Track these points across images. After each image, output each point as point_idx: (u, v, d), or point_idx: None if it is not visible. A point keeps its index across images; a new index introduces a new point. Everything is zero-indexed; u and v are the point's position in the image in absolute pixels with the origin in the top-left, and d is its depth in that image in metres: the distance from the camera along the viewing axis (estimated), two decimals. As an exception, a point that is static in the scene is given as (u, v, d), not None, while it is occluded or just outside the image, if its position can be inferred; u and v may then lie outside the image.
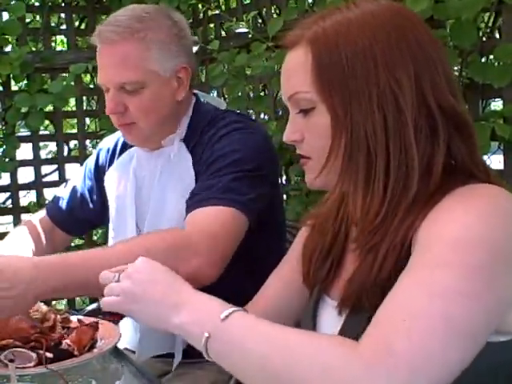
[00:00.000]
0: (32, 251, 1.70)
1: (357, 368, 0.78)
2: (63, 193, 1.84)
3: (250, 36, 2.70)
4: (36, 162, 3.59)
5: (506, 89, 1.93)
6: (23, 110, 3.35)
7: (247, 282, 1.34)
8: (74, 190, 1.82)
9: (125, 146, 1.74)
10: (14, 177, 3.50)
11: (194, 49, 1.68)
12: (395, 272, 0.90)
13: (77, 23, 3.78)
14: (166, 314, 0.97)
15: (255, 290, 1.26)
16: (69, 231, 1.86)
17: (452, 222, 0.87)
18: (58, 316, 1.32)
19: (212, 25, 3.29)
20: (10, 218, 3.63)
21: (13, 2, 3.20)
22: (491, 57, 1.99)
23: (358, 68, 0.93)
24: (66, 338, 1.22)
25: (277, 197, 1.67)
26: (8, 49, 3.38)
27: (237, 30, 2.88)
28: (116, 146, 1.78)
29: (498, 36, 2.12)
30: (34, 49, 3.60)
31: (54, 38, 3.95)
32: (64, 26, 3.69)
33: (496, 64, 1.95)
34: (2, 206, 3.69)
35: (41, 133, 3.70)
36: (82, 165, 1.90)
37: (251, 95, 3.02)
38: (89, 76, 3.87)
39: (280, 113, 2.83)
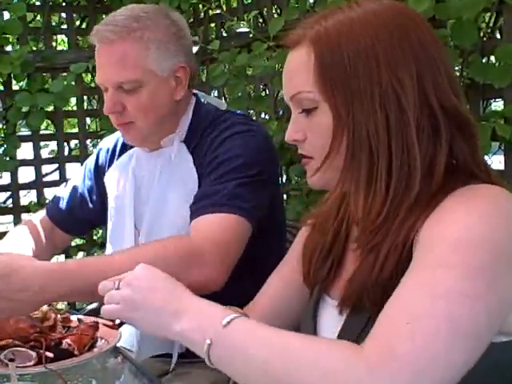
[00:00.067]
0: (32, 250, 1.70)
1: (360, 371, 0.78)
2: (63, 193, 1.84)
3: (250, 36, 2.71)
4: (36, 162, 3.59)
5: (506, 89, 1.93)
6: (24, 109, 3.35)
7: (247, 282, 1.34)
8: (73, 189, 1.82)
9: (125, 146, 1.74)
10: (14, 176, 3.50)
11: (194, 49, 1.68)
12: (396, 272, 0.90)
13: (78, 23, 3.79)
14: (166, 322, 0.96)
15: (256, 290, 1.26)
16: (68, 231, 1.86)
17: (454, 223, 0.87)
18: (59, 315, 1.32)
19: (213, 24, 3.29)
20: (10, 218, 3.63)
21: (14, 2, 3.20)
22: (492, 57, 1.99)
23: (360, 67, 0.93)
24: (66, 338, 1.22)
25: (277, 197, 1.67)
26: (9, 48, 3.38)
27: (238, 30, 2.88)
28: (116, 146, 1.78)
29: (498, 36, 2.12)
30: (34, 48, 3.60)
31: (54, 38, 3.95)
32: (65, 26, 3.69)
33: (497, 64, 1.95)
34: (2, 205, 3.69)
35: (41, 132, 3.70)
36: (82, 164, 1.89)
37: (252, 95, 3.02)
38: (89, 75, 3.87)
39: (281, 112, 2.82)
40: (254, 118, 2.89)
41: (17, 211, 3.56)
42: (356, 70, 0.93)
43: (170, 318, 0.96)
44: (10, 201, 3.62)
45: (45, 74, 3.53)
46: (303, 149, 1.02)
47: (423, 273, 0.85)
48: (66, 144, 3.81)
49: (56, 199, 1.85)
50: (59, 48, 4.36)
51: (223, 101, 2.93)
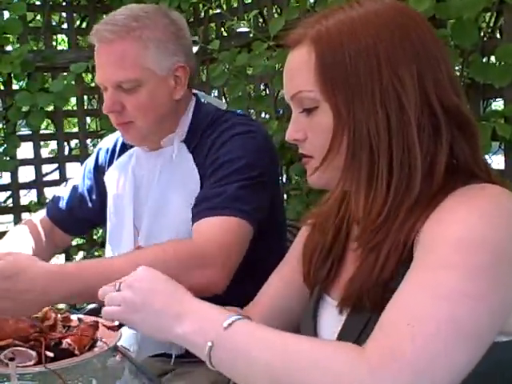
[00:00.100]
0: (32, 250, 1.70)
1: (363, 373, 0.78)
2: (63, 192, 1.84)
3: (251, 35, 2.70)
4: (37, 161, 3.58)
5: (506, 89, 1.93)
6: (24, 108, 3.35)
7: (248, 283, 1.34)
8: (73, 189, 1.82)
9: (124, 146, 1.74)
10: (14, 176, 3.50)
11: (194, 49, 1.68)
12: (397, 272, 0.91)
13: (78, 22, 3.78)
14: (168, 324, 0.96)
15: (256, 290, 1.26)
16: (68, 231, 1.86)
17: (455, 223, 0.87)
18: (59, 315, 1.32)
19: (213, 24, 3.29)
20: (10, 217, 3.62)
21: (14, 1, 3.20)
22: (492, 57, 1.99)
23: (361, 67, 0.93)
24: (66, 337, 1.22)
25: (277, 197, 1.67)
26: (9, 48, 3.38)
27: (238, 30, 2.89)
28: (115, 145, 1.78)
29: (499, 36, 2.12)
30: (34, 48, 3.60)
31: (55, 37, 3.95)
32: (65, 25, 3.69)
33: (497, 64, 1.95)
34: (2, 205, 3.69)
35: (41, 132, 3.70)
36: (82, 164, 1.90)
37: (252, 95, 3.02)
38: (90, 75, 3.87)
39: (281, 112, 2.82)
40: (255, 117, 2.88)
41: (17, 211, 3.56)
42: (357, 69, 0.93)
43: (172, 320, 0.96)
44: (10, 200, 3.62)
45: (45, 74, 3.53)
46: (304, 148, 1.02)
47: (424, 274, 0.85)
48: (66, 144, 3.81)
49: (56, 199, 1.85)
50: (59, 48, 4.36)
51: (223, 101, 2.94)
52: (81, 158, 3.57)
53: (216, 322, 0.91)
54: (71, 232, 1.89)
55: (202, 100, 1.69)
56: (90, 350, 1.22)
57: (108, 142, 1.81)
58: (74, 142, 4.02)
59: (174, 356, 1.55)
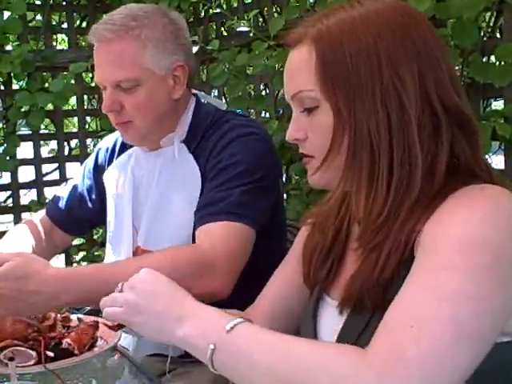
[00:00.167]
0: (32, 249, 1.70)
1: (368, 377, 0.78)
2: (63, 192, 1.84)
3: (251, 35, 2.70)
4: (37, 161, 3.59)
5: (506, 88, 1.93)
6: (24, 108, 3.35)
7: (250, 284, 1.34)
8: (73, 189, 1.82)
9: (124, 146, 1.73)
10: (14, 175, 3.50)
11: (194, 48, 1.68)
12: (398, 272, 0.90)
13: (78, 22, 3.78)
14: (169, 327, 0.96)
15: (258, 292, 1.26)
16: (68, 231, 1.86)
17: (456, 224, 0.86)
18: (59, 315, 1.32)
19: (213, 24, 3.29)
20: (10, 217, 3.62)
21: (14, 1, 3.20)
22: (492, 56, 1.99)
23: (361, 66, 0.93)
24: (66, 337, 1.22)
25: (279, 198, 1.67)
26: (9, 47, 3.38)
27: (238, 29, 2.88)
28: (115, 145, 1.78)
29: (499, 35, 2.12)
30: (34, 47, 3.60)
31: (55, 37, 3.96)
32: (65, 25, 3.69)
33: (497, 63, 1.95)
34: (2, 204, 3.69)
35: (41, 131, 3.70)
36: (82, 164, 1.89)
37: (252, 94, 3.02)
38: (90, 75, 3.87)
39: (281, 112, 2.82)
40: (254, 117, 2.88)
41: (17, 210, 3.56)
42: (358, 68, 0.93)
43: (173, 323, 0.95)
44: (10, 200, 3.62)
45: (45, 74, 3.53)
46: (304, 148, 1.02)
47: (426, 275, 0.84)
48: (66, 143, 3.81)
49: (56, 199, 1.84)
50: (59, 47, 4.36)
51: (223, 100, 2.93)
52: (81, 157, 3.57)
53: (218, 325, 0.91)
54: (71, 232, 1.89)
55: (202, 100, 1.68)
56: (89, 349, 1.22)
57: (108, 142, 1.81)
58: (74, 142, 4.02)
59: (169, 358, 1.54)
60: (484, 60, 2.02)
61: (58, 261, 3.55)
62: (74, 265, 3.56)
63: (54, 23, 3.87)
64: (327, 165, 0.98)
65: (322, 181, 1.02)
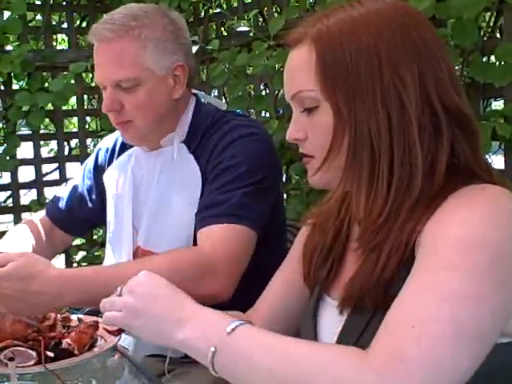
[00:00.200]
0: (32, 249, 1.70)
1: (369, 378, 0.78)
2: (63, 192, 1.84)
3: (251, 35, 2.70)
4: (37, 161, 3.58)
5: (506, 88, 1.93)
6: (24, 108, 3.35)
7: (250, 286, 1.34)
8: (73, 189, 1.82)
9: (124, 146, 1.73)
10: (14, 175, 3.50)
11: (194, 48, 1.68)
12: (398, 272, 0.90)
13: (78, 22, 3.78)
14: (169, 330, 0.95)
15: (258, 293, 1.26)
16: (68, 231, 1.86)
17: (456, 224, 0.86)
18: (59, 315, 1.32)
19: (213, 24, 3.29)
20: (10, 217, 3.62)
21: (14, 1, 3.20)
22: (492, 56, 1.99)
23: (361, 66, 0.93)
24: (66, 337, 1.22)
25: (279, 198, 1.67)
26: (9, 47, 3.38)
27: (238, 29, 2.88)
28: (115, 145, 1.78)
29: (499, 35, 2.12)
30: (34, 47, 3.60)
31: (55, 37, 3.96)
32: (65, 25, 3.69)
33: (497, 63, 1.95)
34: (2, 204, 3.69)
35: (41, 131, 3.70)
36: (82, 164, 1.89)
37: (252, 94, 3.02)
38: (90, 75, 3.87)
39: (281, 112, 2.82)
40: (255, 117, 2.88)
41: (17, 210, 3.56)
42: (358, 68, 0.93)
43: (173, 326, 0.95)
44: (10, 200, 3.62)
45: (45, 73, 3.53)
46: (304, 148, 1.02)
47: (427, 275, 0.84)
48: (66, 143, 3.81)
49: (56, 199, 1.84)
50: (59, 47, 4.36)
51: (223, 100, 2.93)
52: (81, 157, 3.57)
53: (219, 328, 0.91)
54: (71, 232, 1.89)
55: (202, 100, 1.68)
56: (89, 349, 1.22)
57: (108, 142, 1.81)
58: (74, 142, 4.02)
59: (168, 359, 1.54)
60: (484, 60, 2.02)
61: (58, 261, 3.55)
62: (74, 265, 3.56)
63: (54, 23, 3.87)
64: (327, 165, 0.98)
65: (322, 181, 1.02)
